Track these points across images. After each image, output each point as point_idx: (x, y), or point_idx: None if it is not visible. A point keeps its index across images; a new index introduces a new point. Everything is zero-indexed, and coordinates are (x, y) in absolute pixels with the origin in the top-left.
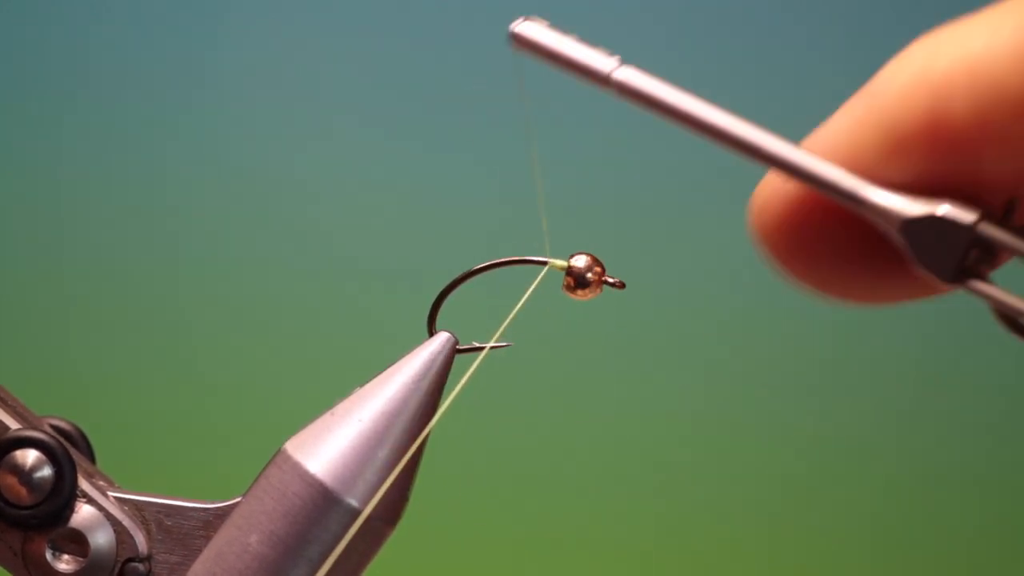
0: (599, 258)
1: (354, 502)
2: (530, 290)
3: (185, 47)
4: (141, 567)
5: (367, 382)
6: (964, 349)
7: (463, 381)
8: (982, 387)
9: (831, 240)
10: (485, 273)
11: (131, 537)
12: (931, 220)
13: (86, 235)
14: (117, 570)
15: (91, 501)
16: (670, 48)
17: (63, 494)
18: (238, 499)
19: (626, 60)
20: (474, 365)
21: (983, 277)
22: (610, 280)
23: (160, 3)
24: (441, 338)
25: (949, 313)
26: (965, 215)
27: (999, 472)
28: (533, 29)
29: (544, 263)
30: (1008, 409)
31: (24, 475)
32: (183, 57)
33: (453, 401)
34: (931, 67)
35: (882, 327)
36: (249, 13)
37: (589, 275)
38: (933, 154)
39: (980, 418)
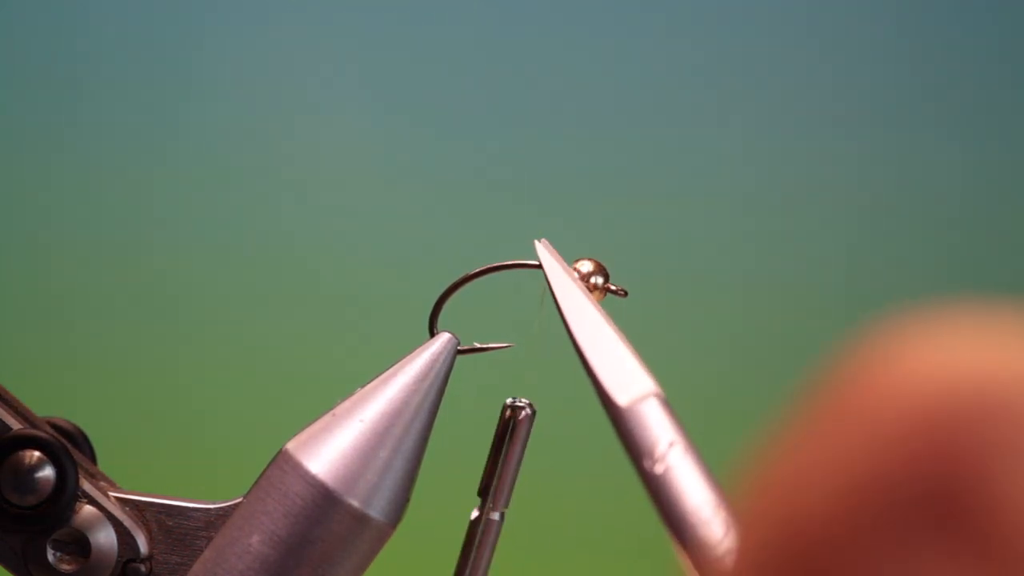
0: (604, 264)
1: (355, 502)
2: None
3: (185, 35)
4: (142, 568)
5: (368, 383)
6: None
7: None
8: None
9: None
10: (485, 276)
11: (132, 538)
12: None
13: (87, 234)
14: (118, 571)
15: (92, 501)
16: (671, 42)
17: (64, 494)
18: (239, 500)
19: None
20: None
21: None
22: (612, 287)
23: None
24: (442, 339)
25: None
26: None
27: None
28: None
29: (540, 267)
30: None
31: (25, 475)
32: (182, 47)
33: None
34: None
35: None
36: (249, 4)
37: (591, 281)
38: None
39: None
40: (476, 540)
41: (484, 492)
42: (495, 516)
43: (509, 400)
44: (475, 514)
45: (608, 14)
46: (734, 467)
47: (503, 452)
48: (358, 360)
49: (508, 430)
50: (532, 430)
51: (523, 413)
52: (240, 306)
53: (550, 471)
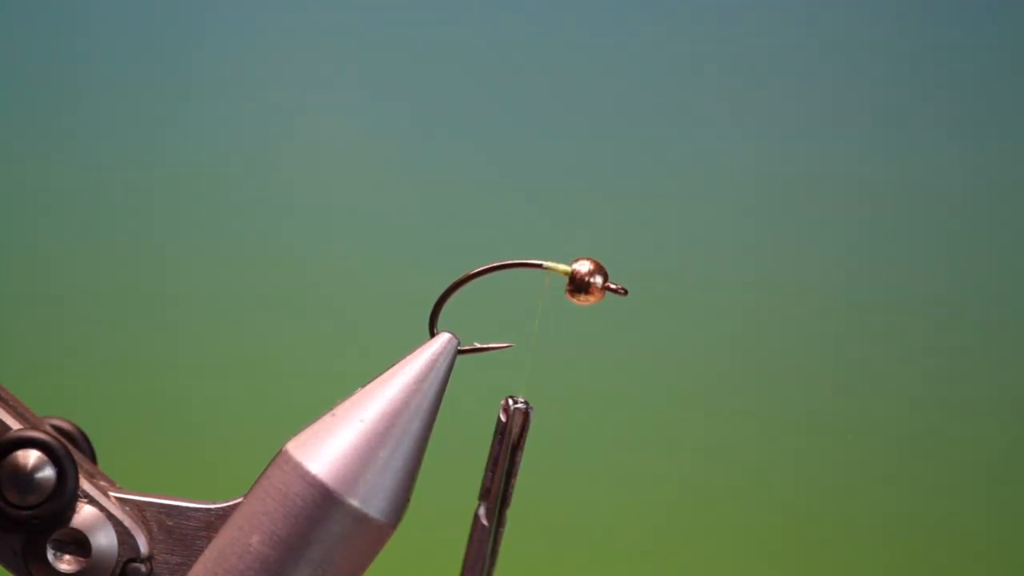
0: (603, 264)
1: (355, 502)
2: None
3: (185, 35)
4: (142, 567)
5: (368, 383)
6: (986, 343)
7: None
8: (1004, 380)
9: None
10: (485, 275)
11: (132, 538)
12: None
13: (87, 234)
14: (118, 571)
15: (92, 502)
16: (671, 42)
17: (65, 495)
18: (239, 500)
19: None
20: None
21: None
22: (612, 287)
23: None
24: (443, 339)
25: (970, 305)
26: None
27: (1013, 467)
28: None
29: (540, 266)
30: None
31: (25, 476)
32: (182, 47)
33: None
34: None
35: (901, 321)
36: (249, 4)
37: (590, 281)
38: None
39: (1003, 412)
40: (481, 541)
41: (486, 493)
42: (503, 517)
43: (506, 399)
44: (480, 515)
45: (608, 14)
46: (732, 466)
47: (505, 452)
48: (358, 360)
49: (507, 430)
50: (531, 429)
51: (521, 412)
52: (240, 306)
53: (548, 470)
